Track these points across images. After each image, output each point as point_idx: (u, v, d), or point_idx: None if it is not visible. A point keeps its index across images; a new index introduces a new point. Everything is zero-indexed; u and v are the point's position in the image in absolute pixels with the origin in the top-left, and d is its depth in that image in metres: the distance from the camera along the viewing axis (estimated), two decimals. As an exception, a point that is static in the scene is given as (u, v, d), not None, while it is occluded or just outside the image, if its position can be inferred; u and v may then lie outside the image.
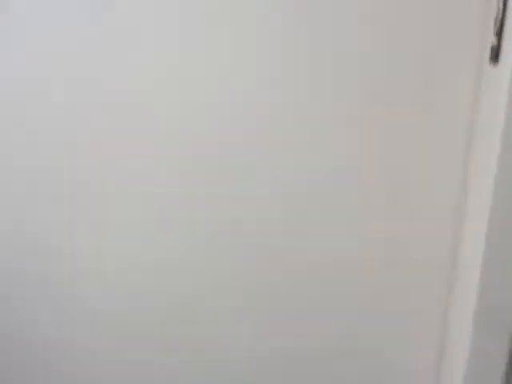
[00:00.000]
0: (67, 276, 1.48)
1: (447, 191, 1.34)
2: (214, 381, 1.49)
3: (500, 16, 1.15)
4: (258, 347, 1.47)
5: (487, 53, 1.23)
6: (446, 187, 1.34)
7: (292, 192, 1.39)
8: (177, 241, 1.43)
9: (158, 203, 1.42)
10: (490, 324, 1.14)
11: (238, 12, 1.31)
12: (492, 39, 1.19)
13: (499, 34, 1.16)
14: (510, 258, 1.11)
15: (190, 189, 1.41)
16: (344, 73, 1.31)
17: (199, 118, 1.37)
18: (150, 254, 1.44)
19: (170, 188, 1.41)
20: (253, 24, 1.31)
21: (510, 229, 1.10)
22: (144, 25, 1.33)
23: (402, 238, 1.38)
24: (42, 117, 1.41)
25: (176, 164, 1.40)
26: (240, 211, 1.41)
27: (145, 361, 1.50)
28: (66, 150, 1.41)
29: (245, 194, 1.40)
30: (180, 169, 1.40)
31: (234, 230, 1.42)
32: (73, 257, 1.46)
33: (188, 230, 1.42)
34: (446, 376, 1.44)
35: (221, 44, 1.33)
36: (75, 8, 1.33)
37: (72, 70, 1.37)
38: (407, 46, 1.29)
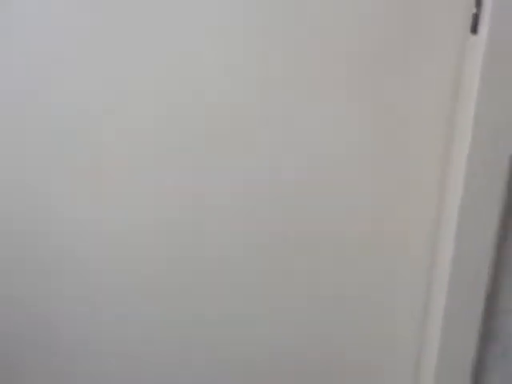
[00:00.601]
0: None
1: (433, 145, 1.34)
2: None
3: (480, -14, 1.15)
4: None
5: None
6: (431, 142, 1.34)
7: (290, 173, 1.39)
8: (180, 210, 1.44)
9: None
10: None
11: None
12: (473, 9, 1.19)
13: (479, 4, 1.16)
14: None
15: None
16: (335, 43, 1.30)
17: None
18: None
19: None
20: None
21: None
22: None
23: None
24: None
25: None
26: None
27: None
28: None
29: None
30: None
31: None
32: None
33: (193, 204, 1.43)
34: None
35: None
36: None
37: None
38: (394, 14, 1.27)
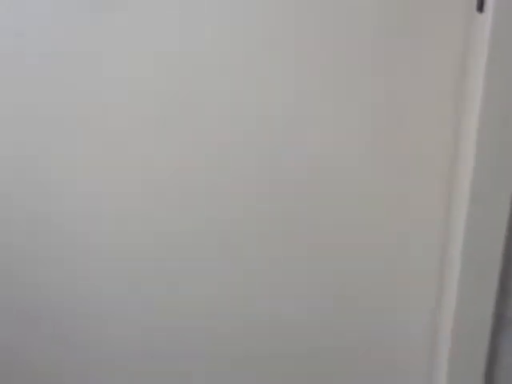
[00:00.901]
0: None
1: (440, 133, 1.32)
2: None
3: (485, -37, 1.12)
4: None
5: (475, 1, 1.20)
6: (439, 127, 1.31)
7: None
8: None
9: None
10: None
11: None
12: (478, -13, 1.16)
13: (484, -19, 1.13)
14: None
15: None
16: (333, 33, 1.28)
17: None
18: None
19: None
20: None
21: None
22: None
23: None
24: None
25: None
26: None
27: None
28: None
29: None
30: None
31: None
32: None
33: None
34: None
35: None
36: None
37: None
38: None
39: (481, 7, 1.15)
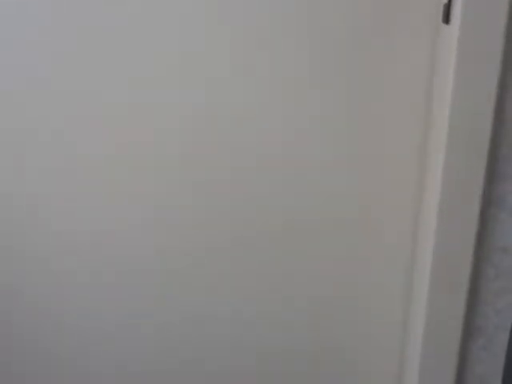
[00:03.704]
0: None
1: (412, 134, 1.34)
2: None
3: (451, -25, 1.14)
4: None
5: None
6: (408, 134, 1.34)
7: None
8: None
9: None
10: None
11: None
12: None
13: (450, -7, 1.16)
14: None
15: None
16: (307, 42, 1.30)
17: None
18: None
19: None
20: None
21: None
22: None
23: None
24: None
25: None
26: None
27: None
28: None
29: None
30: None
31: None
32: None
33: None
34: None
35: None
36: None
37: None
38: (366, 6, 1.27)
39: (447, 19, 1.17)
